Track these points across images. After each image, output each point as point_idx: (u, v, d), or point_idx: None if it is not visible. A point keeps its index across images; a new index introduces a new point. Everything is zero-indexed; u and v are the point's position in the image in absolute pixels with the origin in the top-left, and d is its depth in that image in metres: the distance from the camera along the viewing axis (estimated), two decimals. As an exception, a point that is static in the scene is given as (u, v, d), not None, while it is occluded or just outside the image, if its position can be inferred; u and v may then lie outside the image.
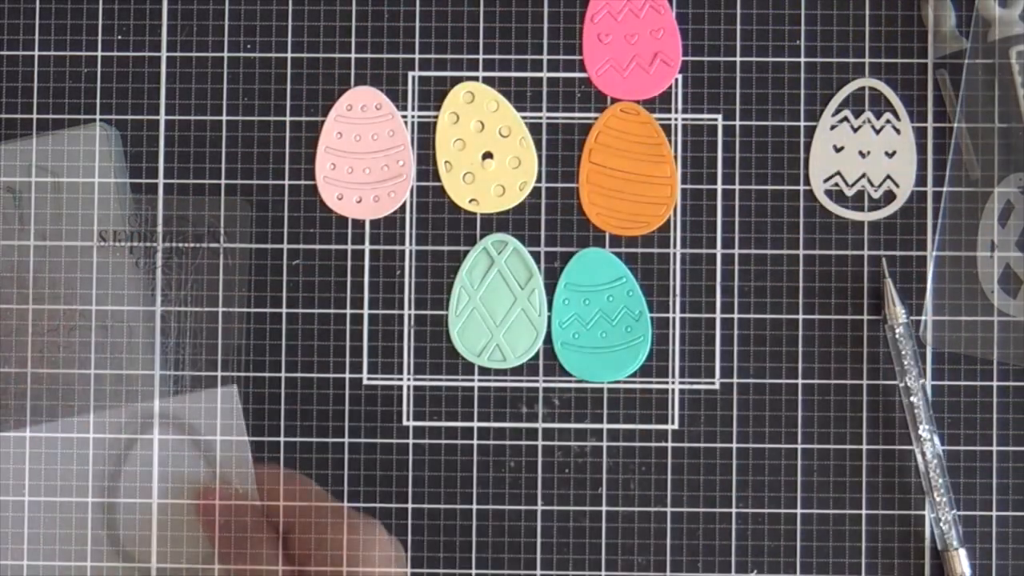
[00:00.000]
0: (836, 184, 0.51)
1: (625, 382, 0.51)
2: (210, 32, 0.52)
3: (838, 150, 0.52)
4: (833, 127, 0.52)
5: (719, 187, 0.52)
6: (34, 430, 0.51)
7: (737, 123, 0.52)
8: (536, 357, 0.51)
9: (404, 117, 0.52)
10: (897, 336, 0.50)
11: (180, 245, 0.52)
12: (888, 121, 0.52)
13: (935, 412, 0.51)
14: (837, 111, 0.52)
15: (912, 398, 0.50)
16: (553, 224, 0.52)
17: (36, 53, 0.52)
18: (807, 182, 0.52)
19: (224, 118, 0.52)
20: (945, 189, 0.51)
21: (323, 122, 0.52)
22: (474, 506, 0.51)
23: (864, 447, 0.51)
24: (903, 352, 0.50)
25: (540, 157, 0.52)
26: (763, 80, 0.52)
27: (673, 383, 0.51)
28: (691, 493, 0.51)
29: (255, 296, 0.52)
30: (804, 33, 0.52)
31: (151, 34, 0.52)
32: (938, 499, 0.49)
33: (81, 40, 0.52)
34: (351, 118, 0.52)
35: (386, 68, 0.52)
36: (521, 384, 0.51)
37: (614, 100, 0.52)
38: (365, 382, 0.51)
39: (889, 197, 0.51)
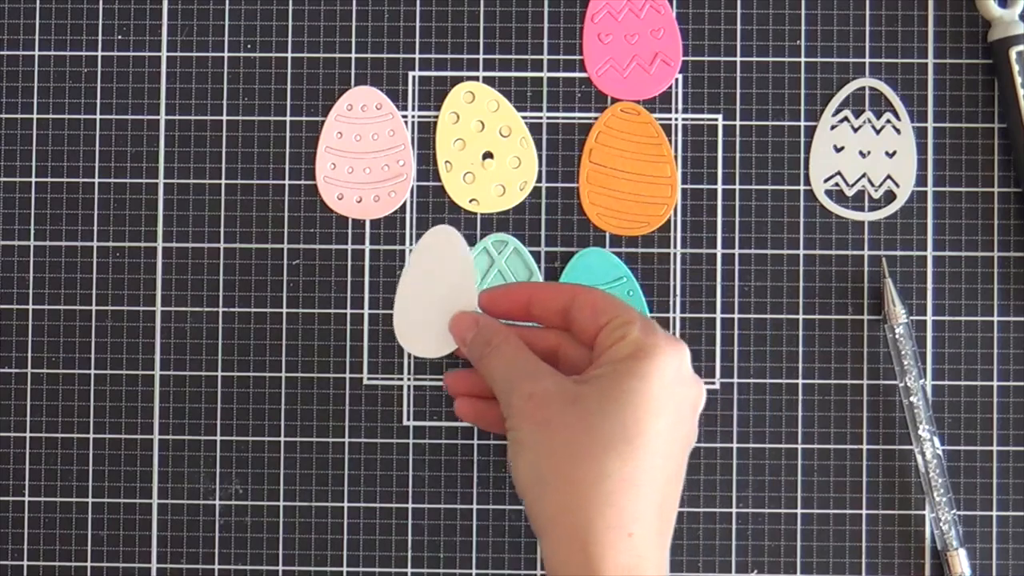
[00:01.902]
0: (836, 184, 0.51)
1: (625, 382, 0.51)
2: (210, 32, 0.52)
3: (838, 150, 0.52)
4: (833, 127, 0.52)
5: (719, 187, 0.52)
6: (34, 430, 0.51)
7: (737, 123, 0.52)
8: (536, 357, 0.51)
9: (404, 117, 0.52)
10: (897, 336, 0.50)
11: (180, 245, 0.52)
12: (888, 121, 0.52)
13: (935, 412, 0.51)
14: (837, 111, 0.52)
15: (912, 398, 0.50)
16: (553, 224, 0.52)
17: (36, 53, 0.52)
18: (807, 182, 0.52)
19: (224, 118, 0.52)
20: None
21: (323, 122, 0.52)
22: (474, 506, 0.51)
23: (864, 447, 0.51)
24: (903, 352, 0.50)
25: (540, 157, 0.52)
26: (763, 80, 0.52)
27: (673, 383, 0.51)
28: (691, 493, 0.51)
29: (255, 296, 0.52)
30: (804, 33, 0.52)
31: (151, 34, 0.52)
32: (938, 499, 0.49)
33: (81, 40, 0.52)
34: (351, 118, 0.52)
35: (386, 68, 0.52)
36: (521, 384, 0.51)
37: (614, 100, 0.52)
38: (365, 382, 0.51)
39: (889, 197, 0.51)
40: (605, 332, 0.41)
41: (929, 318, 0.51)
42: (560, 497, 0.38)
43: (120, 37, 0.52)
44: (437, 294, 0.46)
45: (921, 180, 0.52)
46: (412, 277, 0.47)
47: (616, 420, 0.38)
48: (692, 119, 0.52)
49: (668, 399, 0.39)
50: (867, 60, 0.52)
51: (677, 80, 0.52)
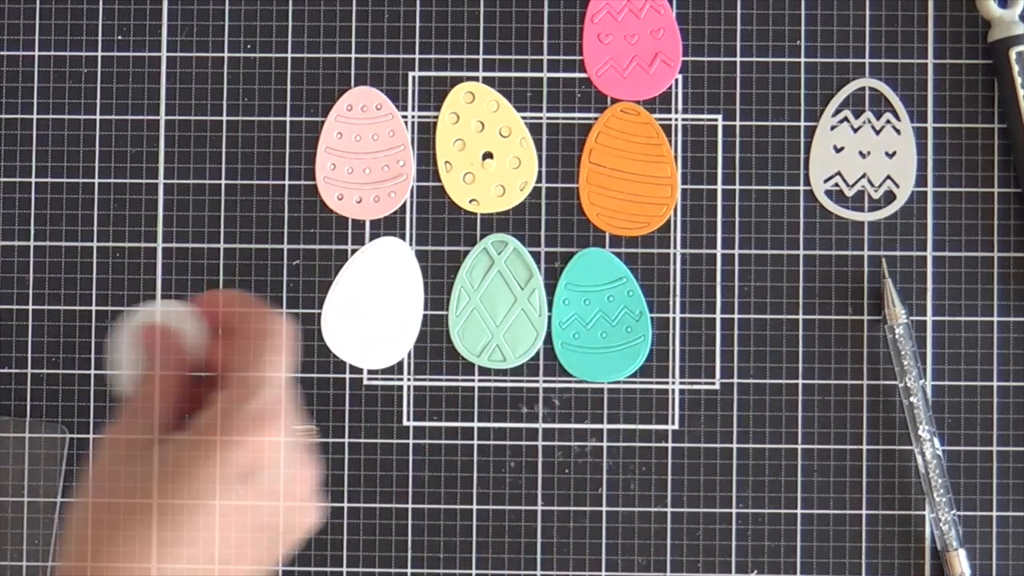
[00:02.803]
0: (836, 184, 0.51)
1: (625, 382, 0.51)
2: (210, 32, 0.52)
3: (838, 150, 0.52)
4: (833, 127, 0.52)
5: (719, 187, 0.52)
6: (34, 430, 0.51)
7: (737, 123, 0.52)
8: (536, 357, 0.51)
9: (404, 117, 0.52)
10: (897, 336, 0.50)
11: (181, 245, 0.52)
12: (888, 121, 0.52)
13: (935, 412, 0.51)
14: (837, 111, 0.52)
15: (912, 398, 0.50)
16: (553, 224, 0.52)
17: (36, 53, 0.52)
18: (807, 182, 0.52)
19: (224, 118, 0.52)
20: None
21: (323, 122, 0.52)
22: (474, 506, 0.51)
23: (864, 447, 0.51)
24: (903, 352, 0.50)
25: (540, 157, 0.52)
26: (763, 80, 0.52)
27: (673, 383, 0.51)
28: (691, 493, 0.51)
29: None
30: (804, 33, 0.52)
31: (151, 34, 0.52)
32: (938, 499, 0.49)
33: (81, 40, 0.52)
34: (351, 118, 0.52)
35: (386, 68, 0.52)
36: (521, 384, 0.51)
37: (614, 100, 0.52)
38: (365, 382, 0.51)
39: (889, 197, 0.51)
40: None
41: (929, 318, 0.51)
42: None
43: (120, 37, 0.52)
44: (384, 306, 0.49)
45: (921, 180, 0.52)
46: (355, 284, 0.49)
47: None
48: (692, 119, 0.52)
49: None
50: (867, 60, 0.52)
51: (677, 80, 0.52)
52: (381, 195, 0.52)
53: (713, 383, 0.51)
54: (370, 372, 0.51)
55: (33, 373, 0.51)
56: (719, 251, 0.51)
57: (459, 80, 0.52)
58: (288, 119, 0.52)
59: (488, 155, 0.52)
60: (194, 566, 0.37)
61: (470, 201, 0.52)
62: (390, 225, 0.52)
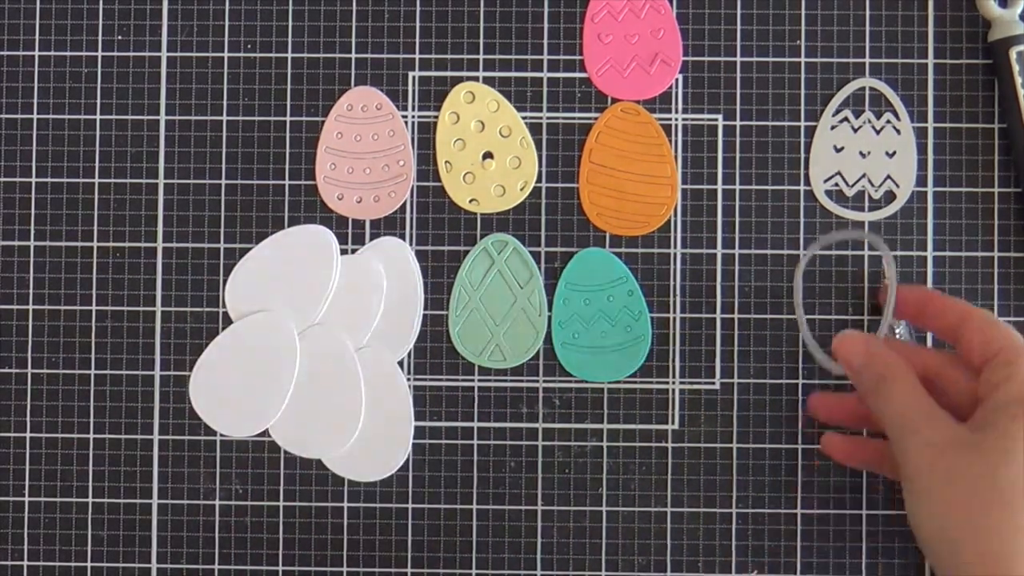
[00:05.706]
0: (836, 184, 0.51)
1: (625, 382, 0.51)
2: (210, 32, 0.52)
3: (838, 150, 0.52)
4: (833, 127, 0.52)
5: (719, 187, 0.52)
6: (34, 430, 0.51)
7: (737, 123, 0.52)
8: (536, 357, 0.51)
9: (404, 117, 0.52)
10: (897, 336, 0.50)
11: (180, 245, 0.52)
12: (888, 121, 0.52)
13: (935, 412, 0.50)
14: (837, 111, 0.52)
15: (912, 398, 0.49)
16: (553, 224, 0.52)
17: (36, 53, 0.52)
18: (807, 182, 0.52)
19: (224, 118, 0.52)
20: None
21: (323, 122, 0.52)
22: (474, 506, 0.51)
23: (864, 447, 0.51)
24: (903, 352, 0.50)
25: (540, 157, 0.52)
26: (763, 80, 0.52)
27: (673, 383, 0.51)
28: (691, 493, 0.51)
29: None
30: (804, 33, 0.52)
31: (151, 34, 0.52)
32: (938, 499, 0.49)
33: (81, 40, 0.52)
34: (351, 118, 0.52)
35: (386, 68, 0.52)
36: (521, 384, 0.51)
37: (614, 100, 0.52)
38: (365, 382, 0.51)
39: (889, 197, 0.51)
40: (990, 368, 0.41)
41: (929, 318, 0.51)
42: (977, 553, 0.38)
43: (120, 37, 0.52)
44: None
45: (921, 180, 0.52)
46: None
47: (1018, 470, 0.38)
48: (692, 119, 0.52)
49: None
50: (867, 60, 0.52)
51: (677, 80, 0.52)
52: (381, 195, 0.52)
53: (713, 383, 0.51)
54: (370, 372, 0.51)
55: (33, 373, 0.52)
56: (719, 251, 0.51)
57: (459, 80, 0.52)
58: (288, 119, 0.52)
59: (488, 155, 0.52)
60: None
61: (470, 201, 0.52)
62: (390, 225, 0.52)
